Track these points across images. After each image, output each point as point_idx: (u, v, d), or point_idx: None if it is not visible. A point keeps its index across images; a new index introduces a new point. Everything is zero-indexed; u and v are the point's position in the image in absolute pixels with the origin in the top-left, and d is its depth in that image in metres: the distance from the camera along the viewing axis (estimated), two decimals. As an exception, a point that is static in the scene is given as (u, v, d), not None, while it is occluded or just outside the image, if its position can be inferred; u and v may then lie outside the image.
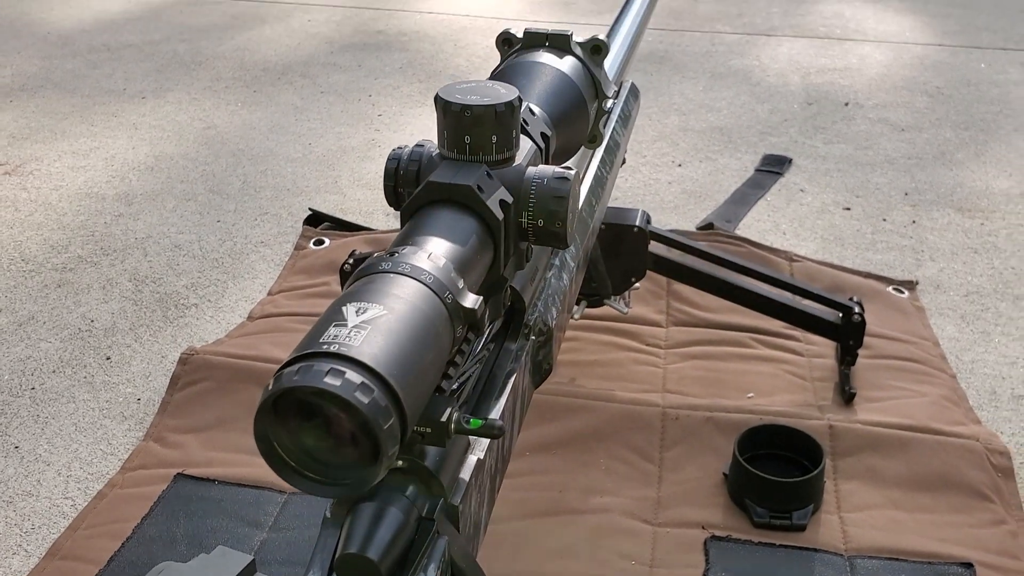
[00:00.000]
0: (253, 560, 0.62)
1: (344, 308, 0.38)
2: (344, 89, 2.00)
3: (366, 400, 0.35)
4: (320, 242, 1.33)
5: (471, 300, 0.43)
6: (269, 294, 1.22)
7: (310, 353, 0.36)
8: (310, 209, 1.43)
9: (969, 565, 0.81)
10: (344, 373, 0.35)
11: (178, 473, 0.90)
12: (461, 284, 0.44)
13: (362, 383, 0.35)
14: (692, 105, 1.92)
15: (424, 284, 0.41)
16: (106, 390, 1.05)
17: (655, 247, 1.07)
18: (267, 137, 1.74)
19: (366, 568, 0.41)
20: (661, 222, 1.43)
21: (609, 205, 1.06)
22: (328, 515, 0.44)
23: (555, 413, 0.98)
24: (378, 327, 0.37)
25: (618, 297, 1.08)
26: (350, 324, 0.37)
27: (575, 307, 1.08)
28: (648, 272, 1.07)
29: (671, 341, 1.12)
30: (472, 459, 0.49)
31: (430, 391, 0.40)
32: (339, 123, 1.81)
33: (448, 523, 0.46)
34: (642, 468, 0.92)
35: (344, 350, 0.36)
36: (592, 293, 1.07)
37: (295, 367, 0.35)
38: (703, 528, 0.85)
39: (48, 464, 0.95)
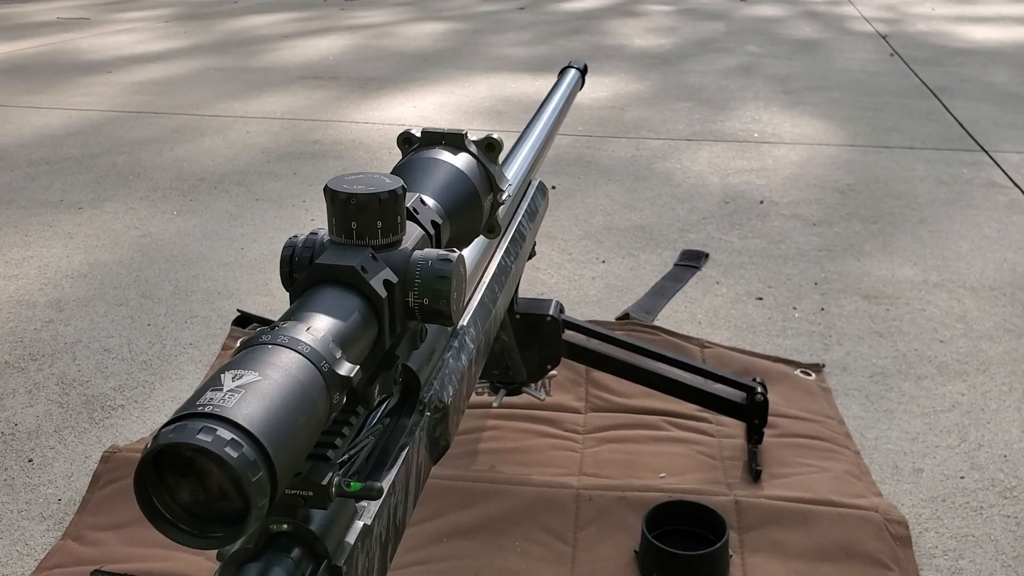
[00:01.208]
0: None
1: (222, 375, 0.42)
2: (279, 196, 2.05)
3: (235, 455, 0.38)
4: (248, 342, 1.35)
5: (346, 368, 0.47)
6: (196, 393, 1.24)
7: (187, 414, 0.39)
8: (238, 311, 1.46)
9: (869, 631, 0.84)
10: (216, 430, 0.38)
11: (95, 570, 0.90)
12: (339, 355, 0.47)
13: (232, 439, 0.38)
14: (616, 205, 2.00)
15: (300, 353, 0.45)
16: (26, 491, 1.06)
17: (573, 336, 1.12)
18: (200, 243, 1.78)
19: (249, 627, 0.44)
20: (584, 315, 1.48)
21: (525, 296, 1.12)
22: (216, 578, 0.46)
23: (472, 499, 1.00)
24: (251, 391, 0.41)
25: (535, 385, 1.12)
26: (225, 388, 0.41)
27: (494, 396, 1.11)
28: (567, 360, 1.11)
29: (589, 426, 1.16)
30: (359, 524, 0.52)
31: (303, 452, 0.43)
32: (272, 228, 1.86)
33: (332, 584, 0.48)
34: (556, 549, 0.94)
35: (217, 410, 0.39)
36: (510, 381, 1.11)
37: (172, 427, 0.39)
38: (614, 604, 0.87)
39: (-36, 567, 0.95)
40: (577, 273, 1.66)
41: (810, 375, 1.28)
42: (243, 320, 1.43)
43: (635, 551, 0.93)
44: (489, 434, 1.13)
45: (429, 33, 4.43)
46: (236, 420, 0.39)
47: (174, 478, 0.40)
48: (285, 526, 0.47)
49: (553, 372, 1.10)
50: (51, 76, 3.39)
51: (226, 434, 0.38)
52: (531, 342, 1.08)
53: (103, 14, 5.22)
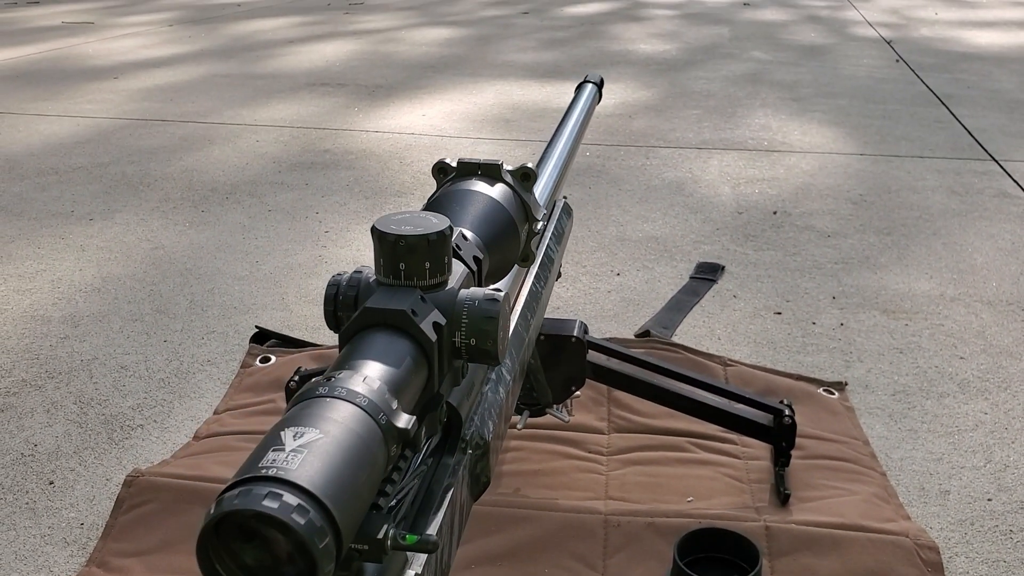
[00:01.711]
0: None
1: (282, 433, 0.41)
2: (291, 207, 2.04)
3: (302, 521, 0.37)
4: (266, 359, 1.34)
5: (404, 420, 0.46)
6: (215, 413, 1.23)
7: (250, 477, 0.38)
8: (256, 327, 1.45)
9: (904, 661, 0.83)
10: (282, 496, 0.37)
11: (121, 598, 0.89)
12: (395, 405, 0.46)
13: (298, 505, 0.37)
14: (629, 216, 2.00)
15: (359, 407, 0.44)
16: (48, 515, 1.05)
17: (595, 356, 1.11)
18: (214, 256, 1.77)
19: None
20: (601, 330, 1.47)
21: (548, 316, 1.11)
22: (270, 634, 0.46)
23: (500, 524, 0.99)
24: (314, 451, 0.40)
25: (559, 406, 1.11)
26: (287, 448, 0.40)
27: (518, 417, 1.11)
28: (588, 381, 1.11)
29: (613, 448, 1.15)
30: (410, 574, 0.51)
31: (365, 509, 0.43)
32: (286, 240, 1.85)
33: (387, 637, 0.48)
34: (586, 576, 0.93)
35: (282, 474, 0.38)
36: (534, 403, 1.10)
37: (235, 491, 0.38)
38: (646, 634, 0.86)
39: (-13, 594, 0.94)
40: (592, 287, 1.66)
41: (833, 394, 1.27)
42: (261, 336, 1.42)
43: (665, 578, 0.92)
44: (513, 455, 1.12)
45: (434, 39, 4.43)
46: (302, 484, 0.38)
47: (237, 543, 0.39)
48: (339, 580, 0.47)
49: (577, 393, 1.10)
50: (58, 82, 3.38)
51: (292, 499, 0.37)
52: (556, 363, 1.07)
53: (107, 18, 5.21)
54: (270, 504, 0.37)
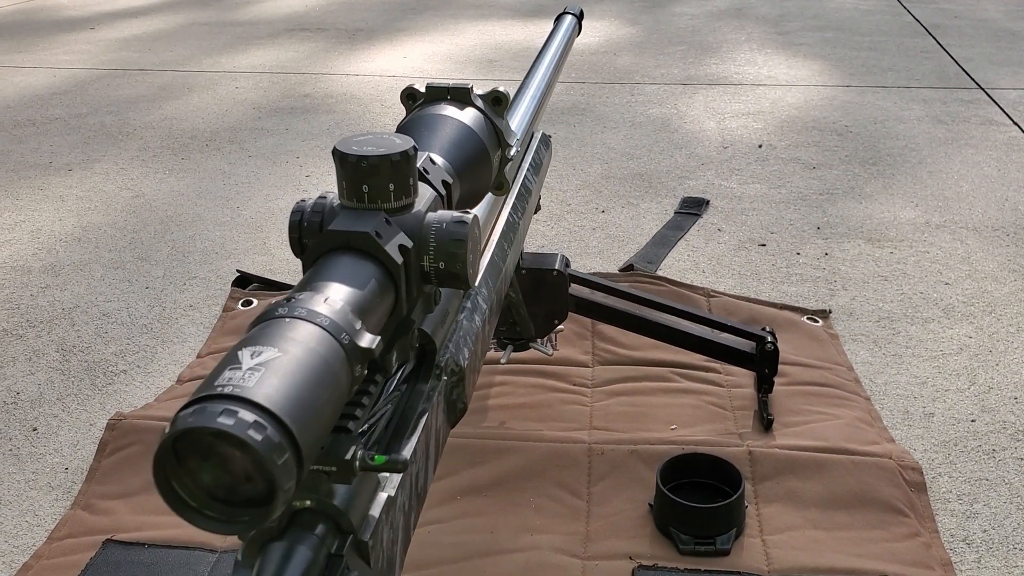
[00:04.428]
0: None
1: (239, 353, 0.40)
2: (272, 152, 2.02)
3: (259, 437, 0.36)
4: (248, 303, 1.34)
5: (368, 340, 0.45)
6: (198, 356, 1.23)
7: (206, 396, 0.38)
8: (238, 271, 1.44)
9: (886, 577, 0.84)
10: (237, 412, 0.36)
11: (107, 539, 0.90)
12: (359, 326, 0.46)
13: (255, 421, 0.36)
14: (614, 154, 1.98)
15: (319, 326, 0.43)
16: (32, 461, 1.05)
17: (578, 290, 1.10)
18: (195, 203, 1.75)
19: (276, 605, 0.43)
20: (586, 266, 1.47)
21: (530, 251, 1.10)
22: (239, 558, 0.45)
23: (485, 456, 0.99)
24: (272, 368, 0.39)
25: (543, 340, 1.11)
26: (244, 367, 0.39)
27: (502, 352, 1.10)
28: (572, 314, 1.10)
29: (597, 380, 1.15)
30: (383, 496, 0.51)
31: (327, 428, 0.42)
32: (267, 186, 1.83)
33: (358, 559, 0.47)
34: (571, 504, 0.94)
35: (237, 391, 0.37)
36: (517, 337, 1.10)
37: (190, 409, 0.37)
38: (630, 559, 0.87)
39: (-26, 539, 0.94)
40: (577, 224, 1.64)
41: (817, 321, 1.27)
42: (243, 280, 1.41)
43: (649, 504, 0.92)
44: (498, 390, 1.12)
45: (415, -20, 4.34)
46: (258, 401, 0.37)
47: (195, 462, 0.38)
48: (308, 502, 0.46)
49: (560, 327, 1.09)
50: (33, 34, 3.32)
51: (248, 416, 0.37)
52: (538, 297, 1.07)
53: (81, -32, 5.10)
54: (225, 421, 0.36)
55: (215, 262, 1.51)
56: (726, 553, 0.87)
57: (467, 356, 0.67)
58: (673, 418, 1.06)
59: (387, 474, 0.52)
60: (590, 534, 0.90)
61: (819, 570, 0.85)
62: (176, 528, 0.90)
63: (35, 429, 1.10)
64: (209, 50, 3.00)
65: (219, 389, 0.38)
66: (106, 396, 1.16)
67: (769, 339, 1.06)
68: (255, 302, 1.33)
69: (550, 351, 1.11)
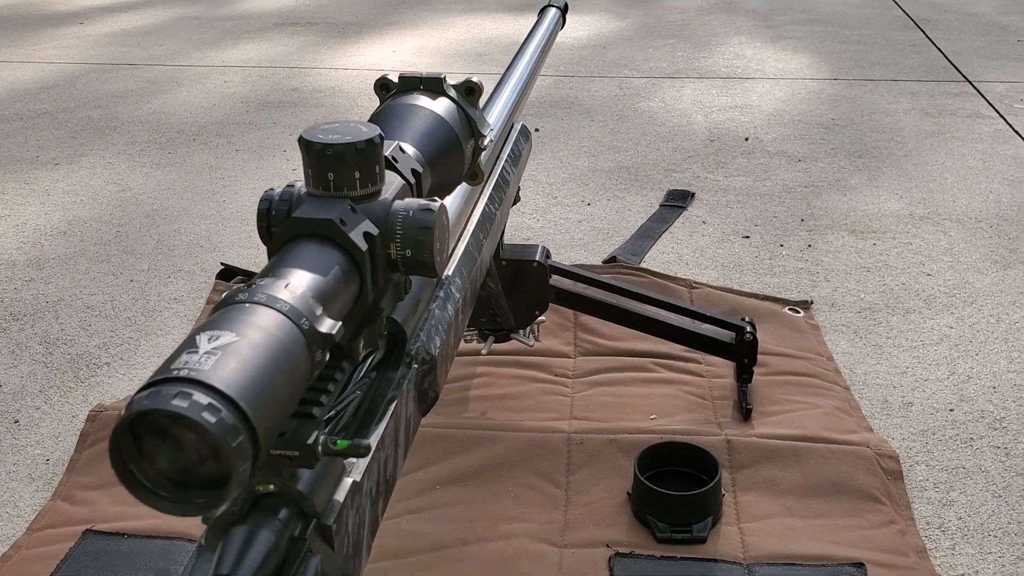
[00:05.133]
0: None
1: (197, 337, 0.41)
2: (259, 146, 2.02)
3: (213, 420, 0.37)
4: (233, 296, 1.34)
5: (328, 325, 0.45)
6: (181, 349, 1.23)
7: (162, 379, 0.38)
8: (222, 264, 1.44)
9: (860, 565, 0.85)
10: (191, 395, 0.37)
11: (86, 529, 0.90)
12: (319, 311, 0.46)
13: (209, 403, 0.37)
14: (600, 147, 1.98)
15: (278, 311, 0.43)
16: (13, 453, 1.05)
17: (560, 281, 1.11)
18: (181, 196, 1.76)
19: (238, 590, 0.43)
20: (571, 258, 1.47)
21: (511, 243, 1.10)
22: (202, 542, 0.46)
23: (465, 446, 1.00)
24: (228, 352, 0.40)
25: (524, 331, 1.11)
26: (201, 351, 0.39)
27: (483, 343, 1.11)
28: (555, 305, 1.11)
29: (579, 371, 1.16)
30: (348, 481, 0.51)
31: (286, 412, 0.42)
32: (254, 179, 1.83)
33: (322, 543, 0.48)
34: (549, 493, 0.94)
35: (193, 374, 0.38)
36: (499, 328, 1.10)
37: (146, 392, 0.37)
38: (608, 546, 0.87)
39: (-45, 531, 0.94)
40: (563, 216, 1.65)
41: (798, 312, 1.28)
42: (227, 273, 1.41)
43: (628, 493, 0.93)
44: (479, 381, 1.13)
45: (406, -26, 4.34)
46: (212, 384, 0.38)
47: (151, 444, 0.39)
48: (271, 487, 0.47)
49: (541, 318, 1.10)
50: (20, 28, 3.31)
51: (202, 399, 0.37)
52: (518, 288, 1.07)
53: (71, -37, 5.08)
54: (179, 403, 0.37)
55: (200, 255, 1.51)
56: (703, 541, 0.88)
57: (439, 345, 0.67)
58: (653, 407, 1.07)
59: (353, 460, 0.53)
60: (568, 522, 0.91)
61: (795, 557, 0.86)
62: (155, 518, 0.90)
63: (17, 421, 1.10)
64: (198, 44, 3.00)
65: (175, 372, 0.38)
66: (89, 388, 1.17)
67: (748, 329, 1.06)
68: (239, 295, 1.34)
69: (531, 342, 1.11)
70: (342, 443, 0.47)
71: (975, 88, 2.36)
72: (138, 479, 0.39)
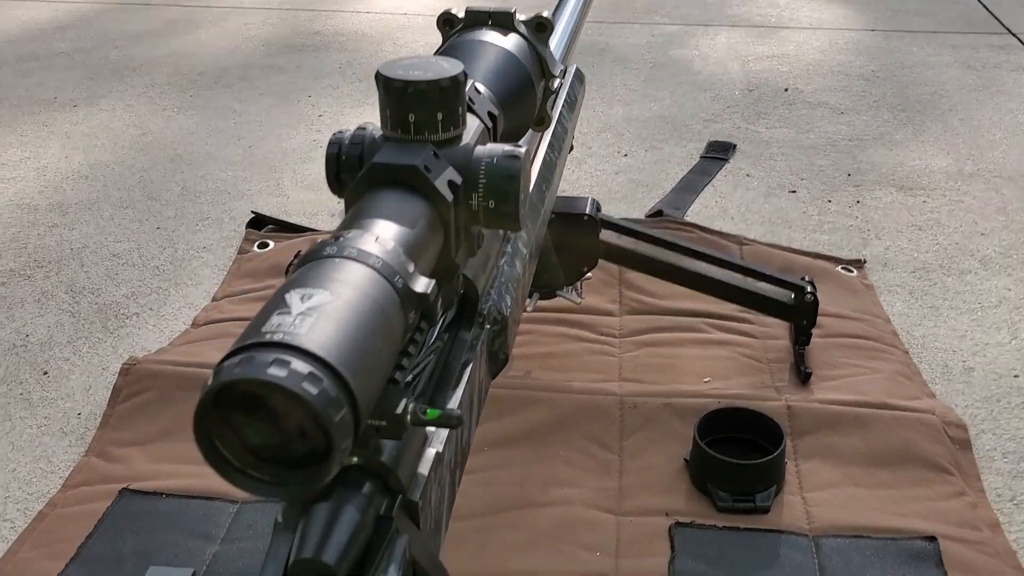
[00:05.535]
0: (193, 573, 0.58)
1: (288, 295, 0.36)
2: (283, 91, 1.96)
3: (315, 391, 0.32)
4: (264, 245, 1.29)
5: (423, 284, 0.41)
6: (213, 300, 1.19)
7: (253, 344, 0.34)
8: (252, 212, 1.39)
9: (932, 538, 0.81)
10: (290, 363, 0.33)
11: (123, 488, 0.86)
12: (412, 268, 0.41)
13: (310, 373, 0.33)
14: (635, 95, 1.92)
15: (372, 268, 0.39)
16: (44, 406, 1.01)
17: (606, 235, 1.06)
18: (205, 141, 1.70)
19: (322, 573, 0.39)
20: (609, 212, 1.40)
21: (558, 195, 1.05)
22: (279, 519, 0.42)
23: (512, 407, 0.96)
24: (325, 314, 0.35)
25: (570, 288, 1.06)
26: (294, 312, 0.35)
27: (528, 300, 1.06)
28: (600, 262, 1.06)
29: (625, 330, 1.11)
30: (431, 452, 0.47)
31: (383, 380, 0.38)
32: (280, 124, 1.78)
33: (408, 521, 0.44)
34: (602, 458, 0.91)
35: (289, 339, 0.33)
36: (544, 285, 1.05)
37: (236, 359, 0.33)
38: (667, 515, 0.84)
39: (-15, 485, 0.91)
40: (599, 168, 1.59)
41: (852, 272, 1.23)
42: (257, 222, 1.37)
43: (685, 459, 0.89)
44: (523, 338, 1.08)
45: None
46: (312, 350, 0.33)
47: (239, 417, 0.34)
48: (355, 459, 0.42)
49: (589, 275, 1.05)
50: (32, -33, 3.22)
51: (302, 367, 0.33)
52: (567, 243, 1.02)
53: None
54: (277, 372, 0.32)
55: (228, 203, 1.46)
56: (766, 511, 0.84)
57: (509, 304, 0.63)
58: (706, 370, 1.03)
59: (434, 429, 0.49)
60: (623, 489, 0.87)
61: (862, 529, 0.82)
62: (194, 478, 0.87)
63: (46, 373, 1.07)
64: (215, -15, 2.92)
65: (268, 336, 0.34)
66: (118, 339, 1.13)
67: (809, 289, 1.02)
68: (272, 244, 1.29)
69: (578, 299, 1.07)
70: (432, 412, 0.43)
71: (1019, 40, 2.28)
72: (226, 458, 0.34)
